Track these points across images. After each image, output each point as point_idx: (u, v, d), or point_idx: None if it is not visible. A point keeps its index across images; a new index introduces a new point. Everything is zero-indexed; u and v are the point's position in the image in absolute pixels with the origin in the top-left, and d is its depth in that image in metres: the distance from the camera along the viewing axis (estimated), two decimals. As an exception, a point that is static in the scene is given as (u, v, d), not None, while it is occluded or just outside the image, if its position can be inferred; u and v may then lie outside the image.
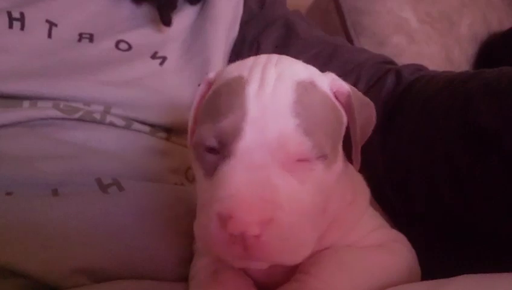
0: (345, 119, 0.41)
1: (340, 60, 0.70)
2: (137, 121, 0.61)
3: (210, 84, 0.42)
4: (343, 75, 0.42)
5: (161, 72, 0.66)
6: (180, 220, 0.52)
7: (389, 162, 0.60)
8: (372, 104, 0.42)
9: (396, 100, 0.61)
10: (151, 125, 0.62)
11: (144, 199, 0.52)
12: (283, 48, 0.72)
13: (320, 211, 0.36)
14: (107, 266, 0.46)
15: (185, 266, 0.47)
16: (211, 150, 0.36)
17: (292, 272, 0.40)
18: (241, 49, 0.76)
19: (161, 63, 0.66)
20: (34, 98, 0.55)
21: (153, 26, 0.68)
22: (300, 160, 0.35)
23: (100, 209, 0.49)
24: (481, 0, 1.20)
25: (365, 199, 0.47)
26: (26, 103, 0.55)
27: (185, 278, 0.46)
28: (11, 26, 0.58)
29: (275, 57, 0.40)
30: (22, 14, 0.59)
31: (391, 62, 0.71)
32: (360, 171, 0.46)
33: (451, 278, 0.36)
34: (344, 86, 0.41)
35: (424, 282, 0.39)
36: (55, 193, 0.50)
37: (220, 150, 0.35)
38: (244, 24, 0.77)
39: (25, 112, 0.54)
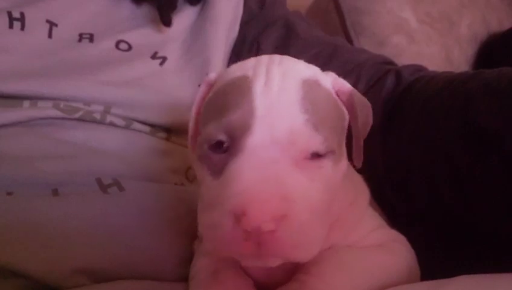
0: (347, 117, 0.41)
1: (340, 60, 0.70)
2: (137, 121, 0.61)
3: (211, 85, 0.42)
4: (343, 75, 0.42)
5: (161, 72, 0.66)
6: (180, 220, 0.52)
7: (389, 162, 0.60)
8: (369, 104, 0.43)
9: (396, 100, 0.61)
10: (151, 125, 0.62)
11: (144, 199, 0.52)
12: (283, 48, 0.72)
13: (327, 209, 0.36)
14: (108, 266, 0.46)
15: (185, 266, 0.47)
16: (218, 149, 0.36)
17: (292, 272, 0.40)
18: (241, 50, 0.76)
19: (161, 63, 0.66)
20: (34, 98, 0.55)
21: (153, 27, 0.68)
22: (309, 157, 0.35)
23: (100, 209, 0.49)
24: (481, 0, 1.20)
25: (365, 199, 0.47)
26: (26, 103, 0.55)
27: (185, 278, 0.46)
28: (11, 26, 0.58)
29: (277, 57, 0.40)
30: (22, 14, 0.59)
31: (391, 63, 0.71)
32: (360, 171, 0.46)
33: (451, 278, 0.36)
34: (346, 85, 0.41)
35: (424, 282, 0.39)
36: (55, 192, 0.50)
37: (229, 148, 0.35)
38: (244, 24, 0.77)
39: (25, 111, 0.54)
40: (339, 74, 0.42)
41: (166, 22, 0.67)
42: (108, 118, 0.59)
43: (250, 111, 0.34)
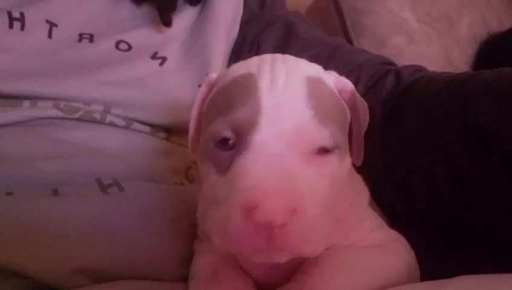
0: (348, 115, 0.41)
1: (340, 61, 0.70)
2: (137, 121, 0.61)
3: (211, 85, 0.42)
4: (343, 75, 0.42)
5: (161, 73, 0.66)
6: (180, 220, 0.52)
7: (389, 162, 0.60)
8: (366, 105, 0.43)
9: (396, 100, 0.61)
10: (151, 125, 0.62)
11: (144, 199, 0.52)
12: (283, 48, 0.73)
13: (333, 205, 0.36)
14: (108, 266, 0.46)
15: (186, 266, 0.48)
16: (223, 146, 0.36)
17: (292, 272, 0.40)
18: (241, 50, 0.76)
19: (161, 64, 0.66)
20: (34, 98, 0.56)
21: (153, 27, 0.69)
22: (316, 153, 0.35)
23: (100, 209, 0.49)
24: (480, 0, 1.20)
25: (365, 199, 0.47)
26: (26, 103, 0.55)
27: (185, 278, 0.46)
28: (11, 26, 0.58)
29: (279, 55, 0.40)
30: (22, 14, 0.59)
31: (391, 63, 0.72)
32: (360, 171, 0.46)
33: (451, 279, 0.36)
34: (348, 84, 0.41)
35: (424, 282, 0.39)
36: (55, 192, 0.50)
37: (235, 144, 0.35)
38: (244, 24, 0.77)
39: (25, 111, 0.54)
40: (339, 74, 0.42)
41: (166, 22, 0.67)
42: (108, 118, 0.59)
43: (256, 108, 0.34)
